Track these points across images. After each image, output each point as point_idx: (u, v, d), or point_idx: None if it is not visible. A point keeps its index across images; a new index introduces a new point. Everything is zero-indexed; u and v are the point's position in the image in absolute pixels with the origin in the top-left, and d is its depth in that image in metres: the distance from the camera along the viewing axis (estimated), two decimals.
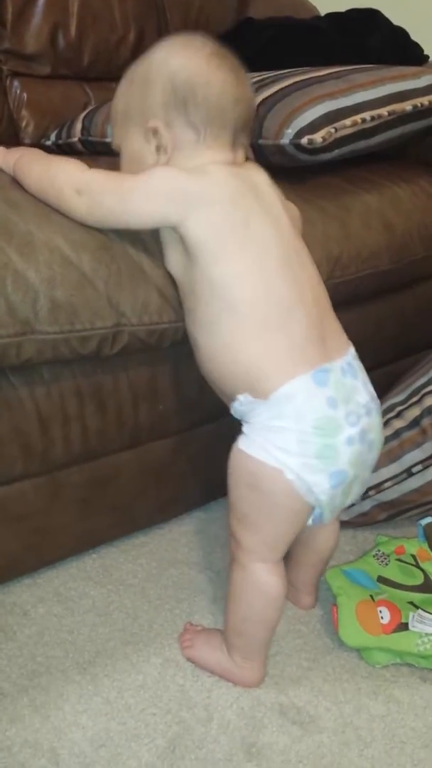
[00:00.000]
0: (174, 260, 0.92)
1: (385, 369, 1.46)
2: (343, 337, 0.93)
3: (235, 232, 0.86)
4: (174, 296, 0.96)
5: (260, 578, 0.93)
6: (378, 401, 0.93)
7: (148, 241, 0.95)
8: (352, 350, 0.93)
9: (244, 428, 0.90)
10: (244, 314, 0.85)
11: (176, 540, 1.26)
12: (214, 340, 0.89)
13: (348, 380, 0.88)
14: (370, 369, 1.41)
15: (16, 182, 0.95)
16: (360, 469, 0.90)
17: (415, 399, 1.21)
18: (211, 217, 0.85)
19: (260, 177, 0.93)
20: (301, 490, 0.86)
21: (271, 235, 0.88)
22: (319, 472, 0.85)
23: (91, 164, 0.91)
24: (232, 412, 0.91)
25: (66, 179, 0.89)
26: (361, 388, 0.90)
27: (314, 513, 0.91)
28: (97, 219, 0.90)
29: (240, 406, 0.89)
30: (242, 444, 0.89)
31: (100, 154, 1.42)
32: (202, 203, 0.85)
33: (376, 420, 0.91)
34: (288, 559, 1.12)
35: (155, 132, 0.89)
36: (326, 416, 0.85)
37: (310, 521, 0.92)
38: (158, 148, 0.90)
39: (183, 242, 0.86)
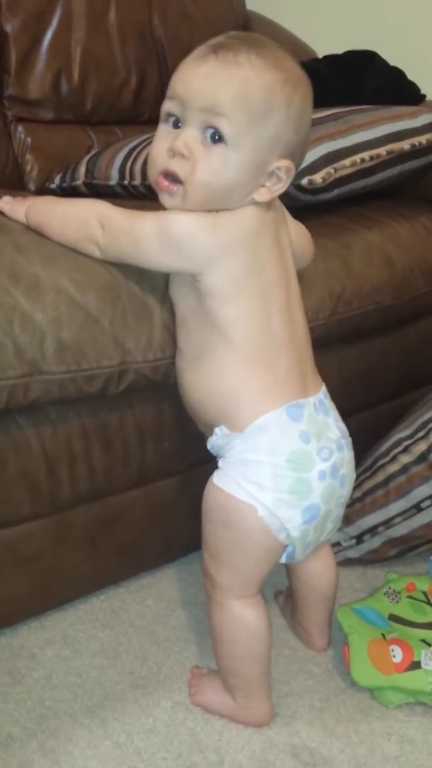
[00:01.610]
0: (180, 293, 0.91)
1: (390, 404, 1.47)
2: (317, 376, 0.95)
3: (249, 279, 0.86)
4: None
5: (238, 614, 0.92)
6: (349, 438, 0.95)
7: (154, 278, 0.95)
8: (323, 388, 0.94)
9: (220, 463, 0.90)
10: (237, 347, 0.87)
11: (184, 580, 1.25)
12: (202, 366, 0.90)
13: (320, 416, 0.90)
14: (374, 404, 1.43)
15: (27, 229, 0.95)
16: (332, 505, 0.91)
17: (421, 434, 1.21)
18: (229, 266, 0.84)
19: (279, 210, 0.92)
20: (272, 527, 0.87)
21: (279, 282, 0.88)
22: (291, 507, 0.86)
23: None
24: (209, 447, 0.92)
25: (93, 213, 0.89)
26: (332, 425, 0.92)
27: (287, 550, 0.91)
28: (113, 256, 0.90)
29: (217, 439, 0.90)
30: (216, 478, 0.89)
31: (103, 196, 1.44)
32: (221, 257, 0.83)
33: (347, 455, 0.93)
34: (293, 602, 1.11)
35: (278, 169, 0.83)
36: (299, 450, 0.86)
37: (283, 558, 0.92)
38: (263, 185, 0.83)
39: (194, 283, 0.86)
